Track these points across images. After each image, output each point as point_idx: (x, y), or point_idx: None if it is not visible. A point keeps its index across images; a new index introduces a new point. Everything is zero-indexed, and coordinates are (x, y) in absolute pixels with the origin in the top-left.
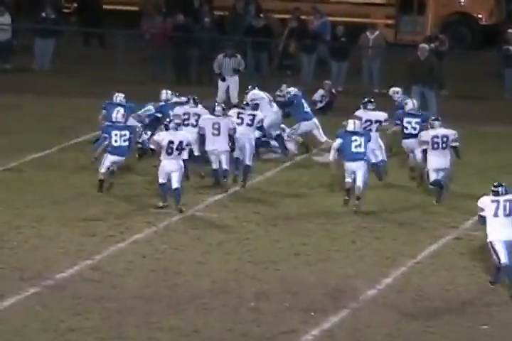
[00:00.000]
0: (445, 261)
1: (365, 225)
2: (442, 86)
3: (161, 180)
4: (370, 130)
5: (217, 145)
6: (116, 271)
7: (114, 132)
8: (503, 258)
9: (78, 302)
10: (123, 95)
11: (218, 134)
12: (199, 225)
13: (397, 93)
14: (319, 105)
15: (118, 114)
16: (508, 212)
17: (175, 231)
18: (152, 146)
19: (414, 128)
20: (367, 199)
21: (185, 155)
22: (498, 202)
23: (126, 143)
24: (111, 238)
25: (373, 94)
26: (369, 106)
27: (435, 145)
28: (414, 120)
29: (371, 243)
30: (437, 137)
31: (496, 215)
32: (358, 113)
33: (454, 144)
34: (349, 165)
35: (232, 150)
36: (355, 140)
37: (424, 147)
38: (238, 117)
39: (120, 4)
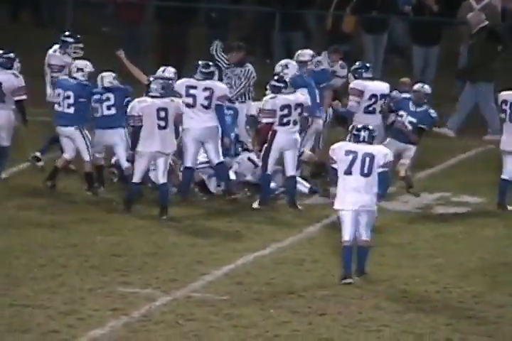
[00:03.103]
0: None
1: None
2: None
3: None
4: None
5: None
6: None
7: None
8: (346, 236)
9: None
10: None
11: (165, 127)
12: (198, 314)
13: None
14: (392, 118)
15: None
16: (366, 170)
17: (157, 324)
18: None
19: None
20: None
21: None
22: (355, 154)
23: None
24: (55, 335)
25: None
26: (364, 75)
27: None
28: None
29: None
30: None
31: (348, 172)
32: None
33: None
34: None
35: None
36: None
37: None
38: None
39: None
